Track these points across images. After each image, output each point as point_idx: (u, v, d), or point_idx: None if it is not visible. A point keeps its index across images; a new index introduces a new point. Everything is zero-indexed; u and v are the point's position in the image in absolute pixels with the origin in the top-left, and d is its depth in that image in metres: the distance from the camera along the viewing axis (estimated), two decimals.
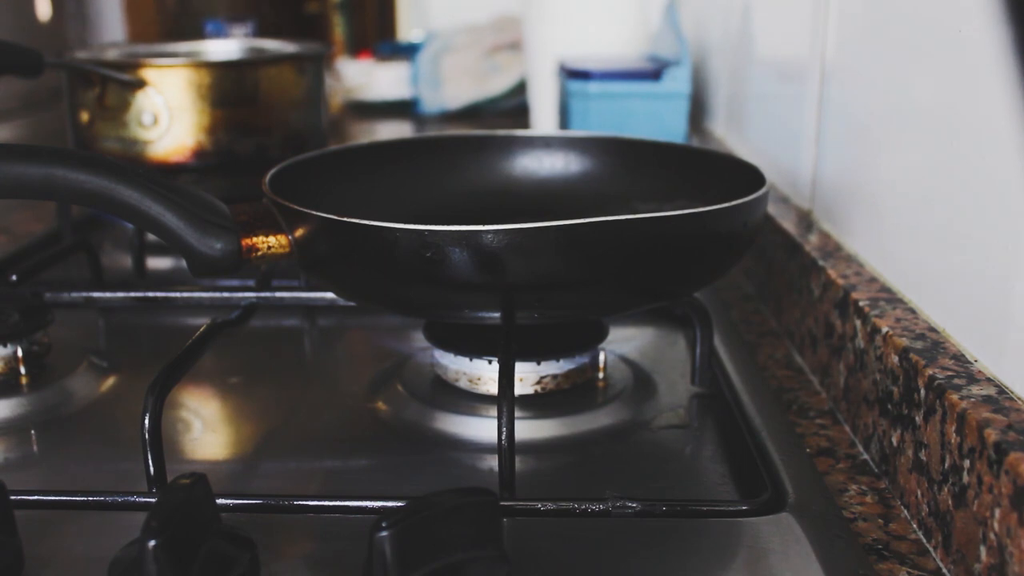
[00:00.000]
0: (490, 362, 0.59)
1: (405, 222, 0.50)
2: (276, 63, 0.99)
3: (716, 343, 0.65)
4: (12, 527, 0.42)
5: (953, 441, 0.44)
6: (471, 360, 0.59)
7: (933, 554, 0.46)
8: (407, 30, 2.28)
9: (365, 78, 1.69)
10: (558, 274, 0.51)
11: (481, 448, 0.55)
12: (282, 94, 0.97)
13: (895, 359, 0.51)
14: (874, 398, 0.54)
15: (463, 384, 0.60)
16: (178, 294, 0.69)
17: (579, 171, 0.75)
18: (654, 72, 1.06)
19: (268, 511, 0.48)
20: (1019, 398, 0.44)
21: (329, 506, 0.48)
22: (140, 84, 0.91)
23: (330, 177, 0.68)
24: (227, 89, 0.93)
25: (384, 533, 0.36)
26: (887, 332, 0.53)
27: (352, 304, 0.65)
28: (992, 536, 0.41)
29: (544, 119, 1.30)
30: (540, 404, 0.59)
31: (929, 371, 0.48)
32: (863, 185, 0.65)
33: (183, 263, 0.54)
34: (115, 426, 0.59)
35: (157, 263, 0.88)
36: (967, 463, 0.43)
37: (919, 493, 0.48)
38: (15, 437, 0.58)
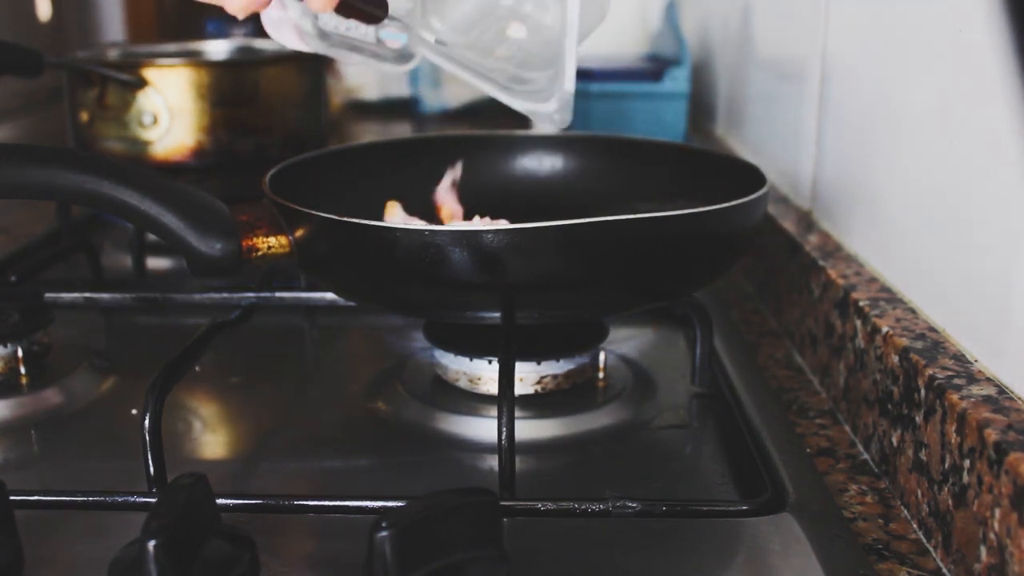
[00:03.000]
0: (490, 362, 0.59)
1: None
2: (276, 63, 0.99)
3: (716, 343, 0.65)
4: (12, 527, 0.42)
5: (953, 441, 0.44)
6: (471, 360, 0.59)
7: (933, 554, 0.46)
8: None
9: (365, 78, 1.69)
10: (558, 274, 0.51)
11: (481, 448, 0.55)
12: (282, 94, 0.97)
13: (895, 359, 0.51)
14: (874, 398, 0.54)
15: (463, 384, 0.60)
16: (178, 294, 0.69)
17: (579, 171, 0.75)
18: (654, 72, 1.06)
19: (268, 511, 0.48)
20: (1019, 398, 0.44)
21: (329, 506, 0.48)
22: (140, 84, 0.91)
23: (330, 177, 0.68)
24: (227, 89, 0.93)
25: (384, 533, 0.36)
26: (887, 332, 0.53)
27: (352, 304, 0.65)
28: (992, 536, 0.41)
29: None
30: (540, 404, 0.59)
31: (929, 371, 0.48)
32: (863, 185, 0.65)
33: (183, 263, 0.54)
34: (115, 426, 0.59)
35: (157, 263, 0.88)
36: (967, 463, 0.43)
37: (919, 493, 0.48)
38: (15, 437, 0.58)
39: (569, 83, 0.52)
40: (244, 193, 0.60)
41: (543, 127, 0.57)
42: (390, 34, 0.55)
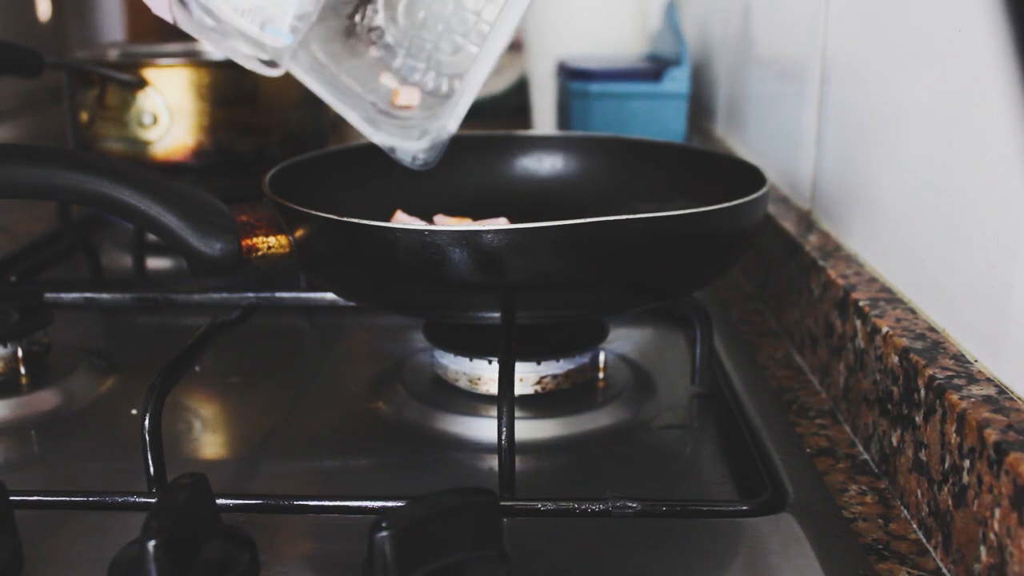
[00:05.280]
0: (490, 362, 0.59)
1: None
2: None
3: (716, 343, 0.65)
4: (12, 527, 0.42)
5: (953, 441, 0.44)
6: (471, 360, 0.59)
7: (933, 554, 0.46)
8: None
9: None
10: (558, 274, 0.51)
11: (481, 448, 0.55)
12: (282, 94, 0.97)
13: (895, 359, 0.51)
14: (874, 398, 0.54)
15: (463, 384, 0.60)
16: (178, 294, 0.69)
17: (579, 171, 0.75)
18: (654, 72, 1.06)
19: (268, 511, 0.48)
20: (1019, 398, 0.44)
21: (329, 506, 0.48)
22: (140, 84, 0.91)
23: (330, 177, 0.68)
24: (227, 89, 0.93)
25: (384, 533, 0.36)
26: (887, 332, 0.53)
27: (352, 304, 0.65)
28: (992, 536, 0.41)
29: (544, 119, 1.30)
30: (540, 404, 0.59)
31: (929, 371, 0.48)
32: (863, 185, 0.65)
33: (183, 263, 0.54)
34: (115, 426, 0.59)
35: (157, 263, 0.88)
36: (967, 463, 0.43)
37: (919, 493, 0.48)
38: (15, 437, 0.58)
39: (454, 123, 0.50)
40: (244, 193, 0.60)
41: (403, 162, 0.56)
42: (276, 30, 0.53)
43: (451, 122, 0.51)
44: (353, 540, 0.44)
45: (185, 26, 0.54)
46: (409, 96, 0.55)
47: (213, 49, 0.55)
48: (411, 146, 0.51)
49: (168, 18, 0.53)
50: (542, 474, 0.53)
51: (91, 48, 1.44)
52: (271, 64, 0.54)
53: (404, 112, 0.54)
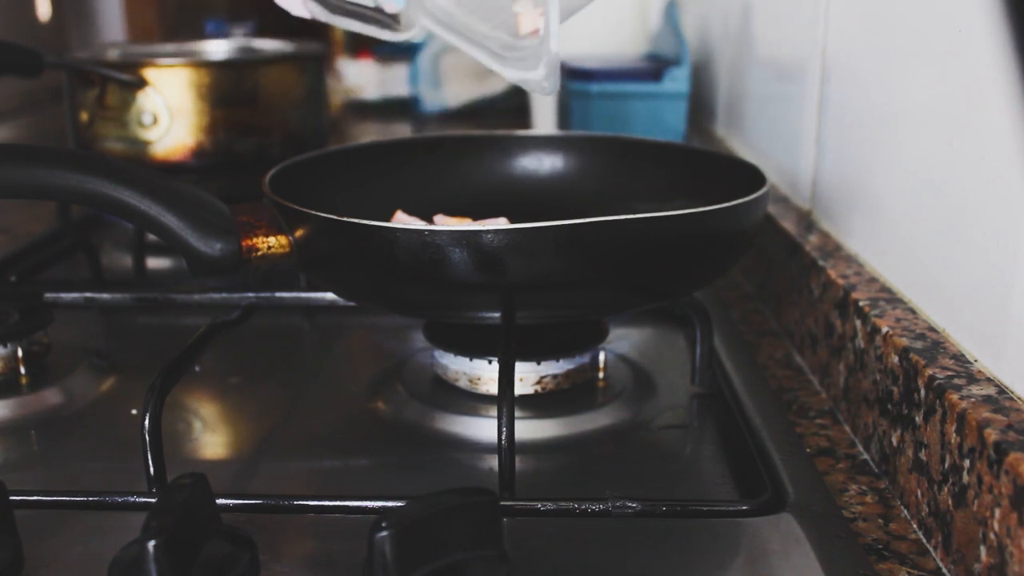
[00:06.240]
0: (490, 362, 0.59)
1: None
2: (276, 63, 0.99)
3: (716, 343, 0.65)
4: (12, 527, 0.42)
5: (953, 441, 0.44)
6: (471, 360, 0.59)
7: (933, 554, 0.46)
8: None
9: (365, 78, 1.69)
10: (558, 274, 0.51)
11: (481, 448, 0.55)
12: (282, 94, 0.97)
13: (895, 359, 0.51)
14: (874, 398, 0.54)
15: (463, 384, 0.60)
16: (178, 294, 0.69)
17: (579, 171, 0.75)
18: (654, 72, 1.06)
19: (268, 511, 0.48)
20: (1019, 398, 0.44)
21: (329, 506, 0.48)
22: (140, 84, 0.91)
23: (330, 177, 0.68)
24: (227, 89, 0.93)
25: (384, 533, 0.36)
26: (887, 332, 0.53)
27: (352, 304, 0.65)
28: (992, 536, 0.41)
29: (544, 119, 1.30)
30: (540, 404, 0.59)
31: (929, 371, 0.48)
32: (863, 185, 0.65)
33: (183, 263, 0.54)
34: (115, 426, 0.59)
35: (157, 263, 0.88)
36: (967, 463, 0.43)
37: (919, 493, 0.48)
38: (15, 437, 0.58)
39: (554, 43, 0.50)
40: (244, 193, 0.60)
41: (536, 94, 0.56)
42: None
43: (551, 38, 0.50)
44: (353, 540, 0.44)
45: (322, 17, 0.56)
46: (531, 22, 0.54)
47: (358, 31, 0.57)
48: (534, 76, 0.51)
49: (305, 14, 0.56)
50: (542, 474, 0.53)
51: (91, 48, 1.45)
52: (405, 28, 0.55)
53: (526, 42, 0.54)
